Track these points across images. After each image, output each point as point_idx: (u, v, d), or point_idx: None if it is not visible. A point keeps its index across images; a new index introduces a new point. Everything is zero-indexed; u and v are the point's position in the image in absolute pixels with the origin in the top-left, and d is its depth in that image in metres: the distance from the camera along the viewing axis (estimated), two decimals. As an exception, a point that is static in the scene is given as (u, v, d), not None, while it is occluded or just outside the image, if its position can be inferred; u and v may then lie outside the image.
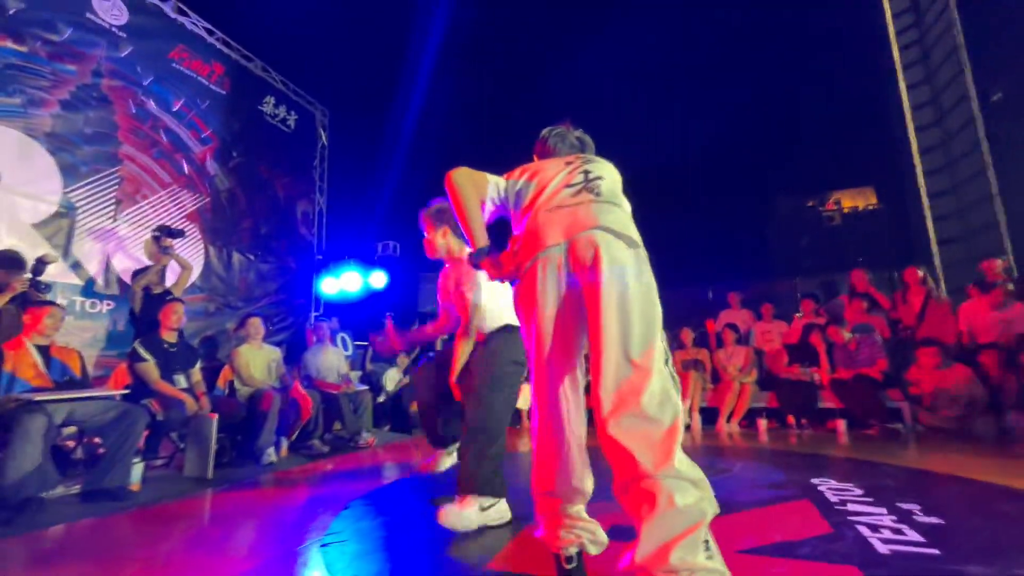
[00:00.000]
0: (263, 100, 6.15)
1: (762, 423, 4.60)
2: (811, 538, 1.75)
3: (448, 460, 2.43)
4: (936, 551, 1.58)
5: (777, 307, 5.79)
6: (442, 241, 2.36)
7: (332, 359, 4.94)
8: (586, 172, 1.48)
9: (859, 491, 2.32)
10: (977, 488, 2.41)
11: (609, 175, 1.51)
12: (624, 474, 1.16)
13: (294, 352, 5.44)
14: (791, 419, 4.64)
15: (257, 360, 4.28)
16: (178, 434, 3.48)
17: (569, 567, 1.38)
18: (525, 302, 1.37)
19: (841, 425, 4.34)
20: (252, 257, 5.88)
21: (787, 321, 5.57)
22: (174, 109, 5.10)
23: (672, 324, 5.93)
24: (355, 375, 6.64)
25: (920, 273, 4.94)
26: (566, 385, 1.34)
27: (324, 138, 7.19)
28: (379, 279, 6.83)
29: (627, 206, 1.51)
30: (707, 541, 1.11)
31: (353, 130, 7.35)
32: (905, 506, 2.06)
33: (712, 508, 1.13)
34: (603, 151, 2.18)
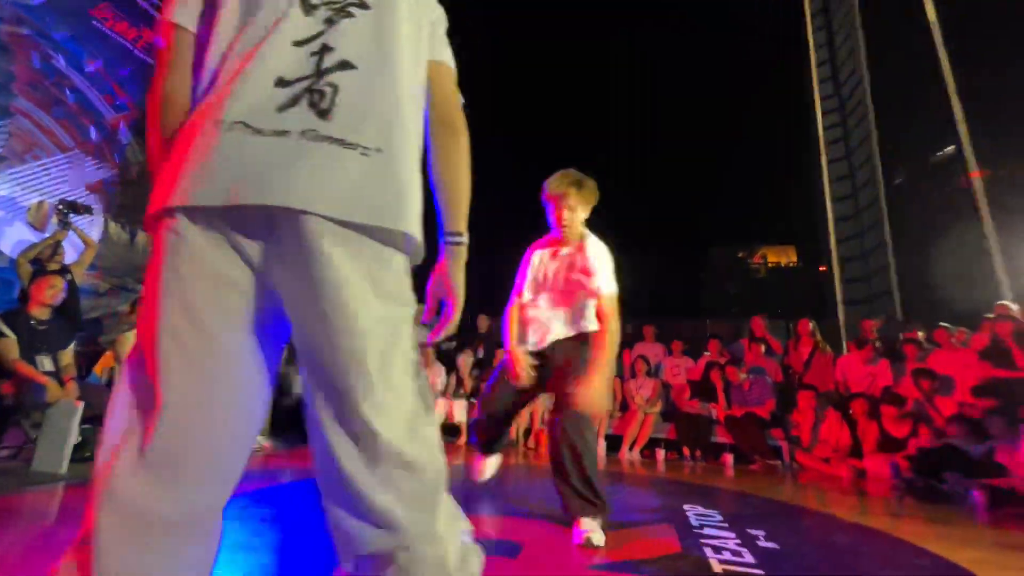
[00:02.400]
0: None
1: (660, 453, 4.81)
2: (660, 557, 1.84)
3: (494, 465, 2.65)
4: (761, 572, 1.71)
5: (689, 345, 6.15)
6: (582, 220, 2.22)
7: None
8: (324, 45, 0.76)
9: (719, 518, 2.48)
10: (820, 520, 2.65)
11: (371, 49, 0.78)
12: None
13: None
14: (687, 451, 4.89)
15: (146, 348, 3.97)
16: (31, 423, 3.12)
17: None
18: None
19: (729, 459, 4.62)
20: (161, 239, 5.48)
21: (695, 358, 5.91)
22: (88, 70, 4.71)
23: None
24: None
25: (810, 325, 5.44)
26: None
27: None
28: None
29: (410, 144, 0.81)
30: None
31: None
32: (753, 532, 2.22)
33: None
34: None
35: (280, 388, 6.10)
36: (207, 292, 0.70)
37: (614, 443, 5.05)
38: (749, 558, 1.86)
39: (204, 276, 0.70)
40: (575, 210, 2.16)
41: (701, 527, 2.28)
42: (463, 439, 5.34)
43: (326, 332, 0.71)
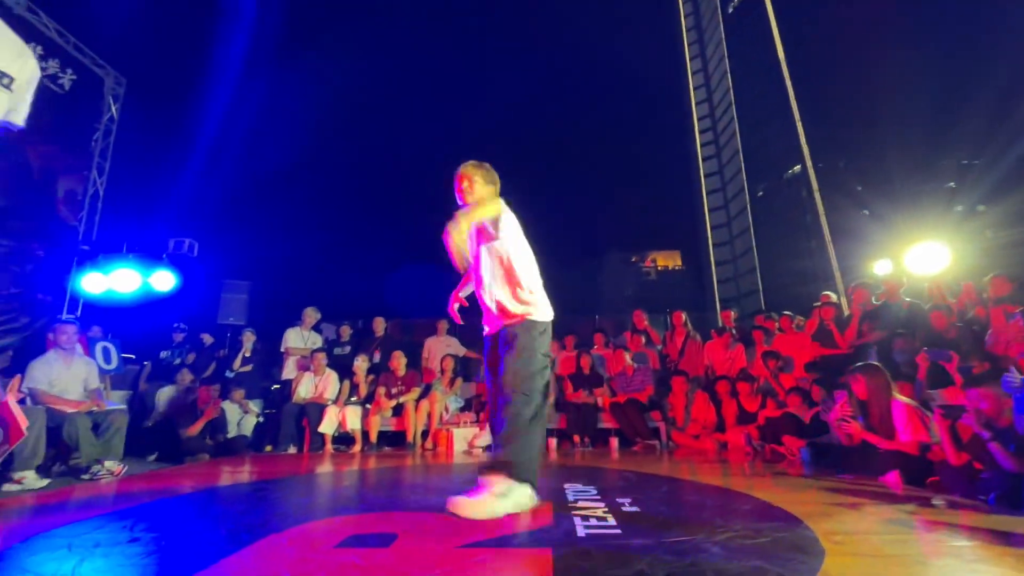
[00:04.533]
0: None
1: (552, 442, 5.01)
2: (532, 530, 1.92)
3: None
4: (619, 531, 1.86)
5: (580, 340, 6.48)
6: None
7: (76, 370, 4.02)
8: None
9: (595, 492, 2.65)
10: (680, 485, 2.95)
11: None
12: None
13: (26, 360, 4.28)
14: (576, 438, 5.16)
15: (-51, 366, 3.28)
16: None
17: None
18: None
19: (614, 442, 4.96)
20: (-27, 235, 4.58)
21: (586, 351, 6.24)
22: None
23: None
24: (120, 394, 5.51)
25: (683, 316, 6.03)
26: None
27: (114, 110, 6.06)
28: (165, 280, 5.84)
29: None
30: None
31: (156, 107, 6.33)
32: (620, 500, 2.40)
33: None
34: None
35: (143, 408, 5.38)
36: None
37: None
38: (612, 522, 2.01)
39: None
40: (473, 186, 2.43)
41: (576, 501, 2.42)
42: (357, 447, 5.12)
43: None
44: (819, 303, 5.32)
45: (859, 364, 3.45)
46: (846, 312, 5.27)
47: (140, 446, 4.58)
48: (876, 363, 3.49)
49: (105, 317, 5.54)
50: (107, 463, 3.65)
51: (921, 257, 5.93)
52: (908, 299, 4.75)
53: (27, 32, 5.10)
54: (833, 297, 5.44)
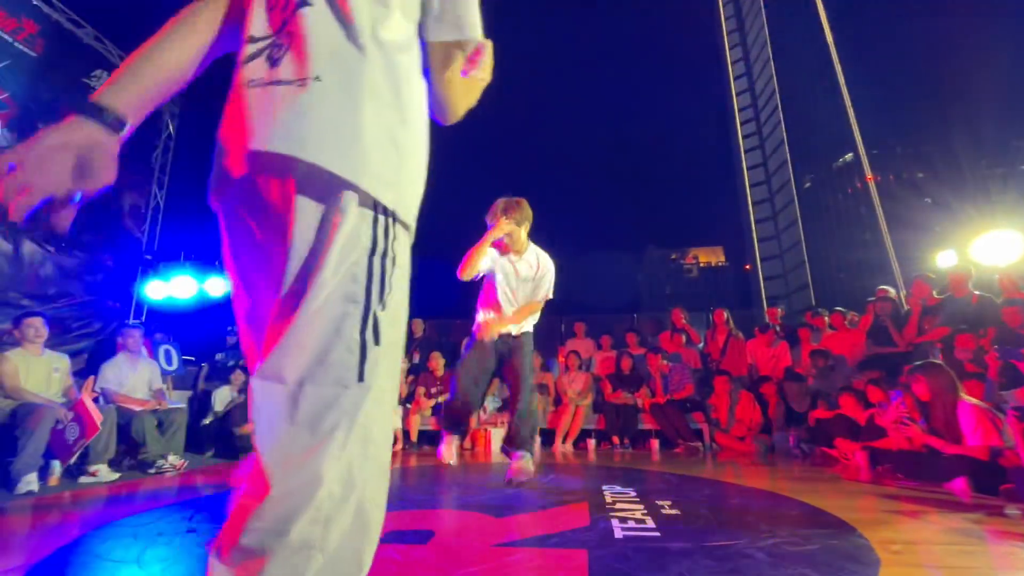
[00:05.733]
0: (91, 73, 5.37)
1: (591, 443, 4.96)
2: (568, 531, 1.91)
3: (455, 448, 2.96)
4: (658, 534, 1.82)
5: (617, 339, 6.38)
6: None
7: (142, 372, 4.32)
8: None
9: (634, 494, 2.61)
10: (724, 488, 2.85)
11: None
12: None
13: (99, 362, 4.65)
14: (615, 439, 5.08)
15: (34, 368, 3.60)
16: None
17: None
18: None
19: (655, 444, 4.85)
20: (51, 249, 4.98)
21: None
22: (-40, 63, 4.25)
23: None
24: (180, 394, 5.87)
25: (725, 314, 5.83)
26: None
27: (171, 127, 6.49)
28: (217, 286, 6.19)
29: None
30: None
31: (208, 123, 6.71)
32: (659, 502, 2.35)
33: None
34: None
35: (201, 407, 5.72)
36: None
37: (548, 437, 5.15)
38: (651, 524, 1.97)
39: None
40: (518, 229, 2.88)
41: (614, 503, 2.39)
42: (399, 446, 5.24)
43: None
44: (874, 298, 5.02)
45: (920, 363, 3.23)
46: (905, 308, 4.94)
47: (199, 443, 4.87)
48: (939, 361, 3.25)
49: (166, 321, 5.93)
50: (170, 458, 3.91)
51: (990, 247, 5.48)
52: (977, 292, 4.41)
53: (95, 60, 5.54)
54: (891, 292, 5.12)
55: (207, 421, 5.41)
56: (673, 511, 2.19)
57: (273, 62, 0.71)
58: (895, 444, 3.35)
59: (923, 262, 7.45)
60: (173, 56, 0.76)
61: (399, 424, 5.33)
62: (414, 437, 5.29)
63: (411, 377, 5.83)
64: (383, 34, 0.74)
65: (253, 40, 0.74)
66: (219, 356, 6.41)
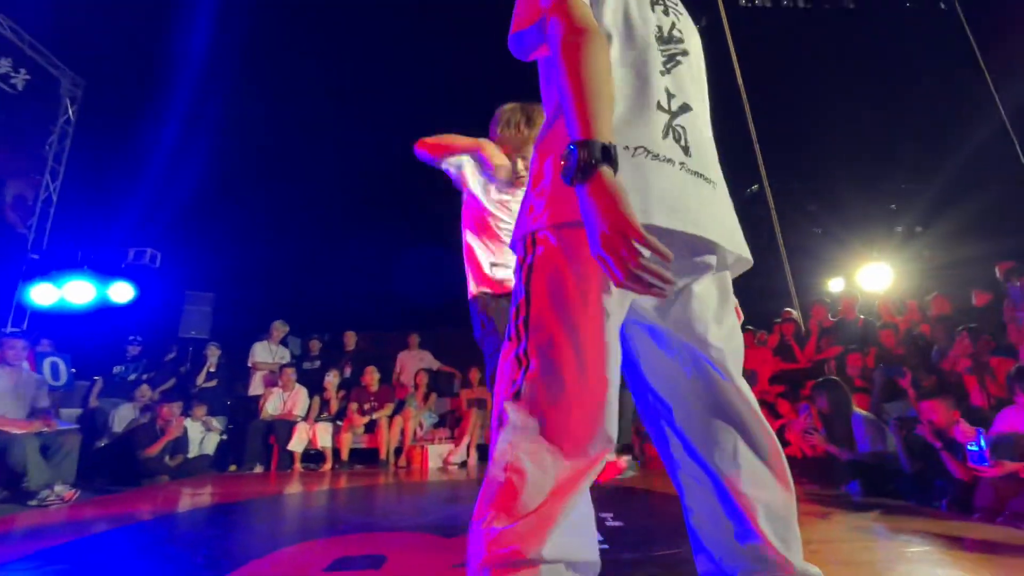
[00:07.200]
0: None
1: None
2: (520, 549, 1.93)
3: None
4: (607, 546, 1.90)
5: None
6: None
7: (23, 388, 3.76)
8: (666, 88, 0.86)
9: (577, 507, 2.69)
10: (658, 498, 3.02)
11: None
12: None
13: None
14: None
15: None
16: None
17: None
18: None
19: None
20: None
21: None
22: None
23: (461, 364, 6.21)
24: (70, 412, 5.16)
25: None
26: None
27: (71, 112, 5.77)
28: (123, 292, 5.55)
29: None
30: None
31: (116, 110, 6.04)
32: (602, 514, 2.45)
33: None
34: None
35: (93, 427, 5.06)
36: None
37: (485, 452, 5.14)
38: (599, 536, 2.04)
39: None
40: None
41: (560, 517, 2.45)
42: (328, 465, 4.97)
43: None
44: (780, 319, 5.59)
45: (822, 379, 3.65)
46: (805, 328, 5.56)
47: (91, 469, 4.30)
48: (836, 378, 3.70)
49: (54, 330, 5.19)
50: (57, 488, 3.41)
51: (870, 276, 6.34)
52: (862, 316, 5.06)
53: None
54: (794, 313, 5.73)
55: (102, 443, 4.81)
56: (616, 523, 2.29)
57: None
58: (800, 452, 3.74)
59: (817, 287, 8.42)
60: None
61: (329, 443, 5.06)
62: (345, 456, 5.05)
63: (342, 392, 5.57)
64: None
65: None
66: (117, 369, 5.73)
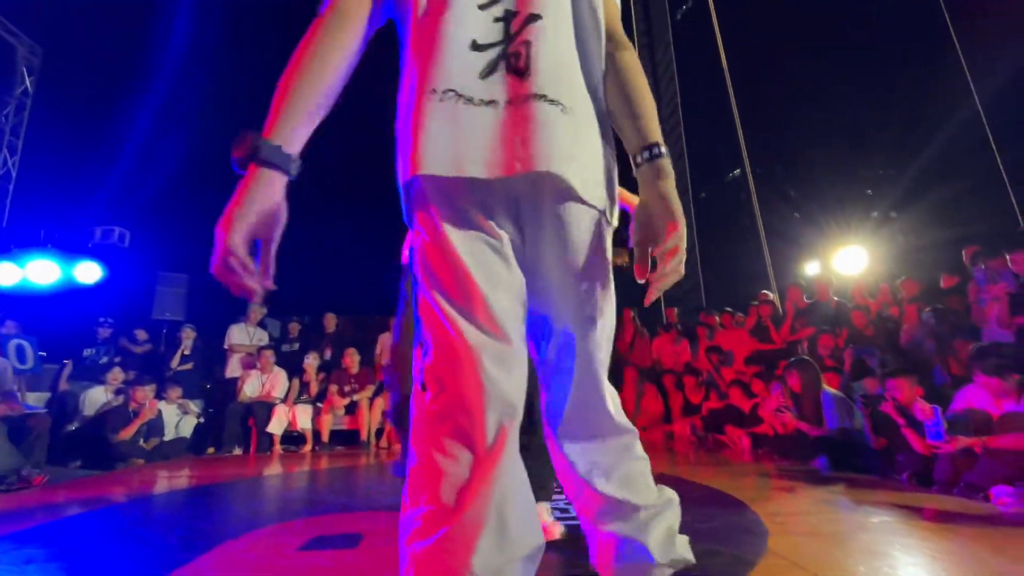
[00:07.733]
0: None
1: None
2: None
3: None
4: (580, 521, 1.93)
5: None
6: None
7: (-13, 370, 3.64)
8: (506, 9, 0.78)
9: (553, 483, 2.72)
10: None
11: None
12: None
13: (-79, 361, 3.82)
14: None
15: None
16: None
17: None
18: None
19: (569, 436, 5.09)
20: None
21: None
22: None
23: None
24: (37, 397, 5.03)
25: (632, 313, 6.27)
26: None
27: (28, 82, 5.46)
28: (90, 272, 5.36)
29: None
30: None
31: (81, 82, 5.73)
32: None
33: None
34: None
35: (63, 410, 4.93)
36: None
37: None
38: (572, 512, 2.08)
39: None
40: None
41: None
42: (308, 447, 4.96)
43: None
44: (757, 301, 5.70)
45: (793, 359, 3.74)
46: (781, 310, 5.68)
47: (61, 453, 4.20)
48: (807, 358, 3.79)
49: (18, 311, 5.00)
50: (23, 472, 3.33)
51: (845, 259, 6.49)
52: (836, 299, 5.19)
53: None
54: (771, 295, 5.85)
55: (72, 427, 4.70)
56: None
57: None
58: (772, 429, 3.85)
59: (794, 270, 8.59)
60: (327, 84, 0.75)
61: (309, 424, 5.04)
62: (325, 437, 5.04)
63: (322, 375, 5.52)
64: None
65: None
66: (88, 352, 5.58)
